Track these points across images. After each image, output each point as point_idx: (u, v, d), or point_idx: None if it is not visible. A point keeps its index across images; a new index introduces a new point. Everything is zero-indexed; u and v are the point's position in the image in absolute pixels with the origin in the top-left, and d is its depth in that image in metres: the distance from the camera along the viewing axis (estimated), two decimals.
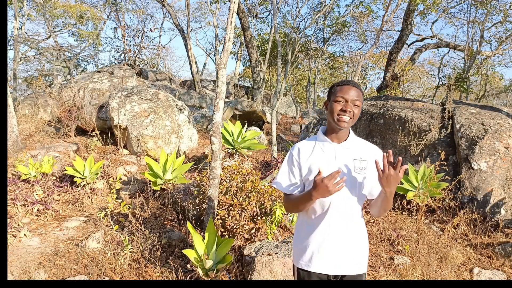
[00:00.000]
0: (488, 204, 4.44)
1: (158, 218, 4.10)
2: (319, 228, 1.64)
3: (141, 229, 3.66)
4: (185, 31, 12.31)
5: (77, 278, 2.99)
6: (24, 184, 4.55)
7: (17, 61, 13.08)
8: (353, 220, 1.65)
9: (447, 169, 4.91)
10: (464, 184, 4.64)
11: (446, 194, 4.59)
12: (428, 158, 5.12)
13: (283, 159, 6.14)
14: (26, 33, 15.04)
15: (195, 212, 4.01)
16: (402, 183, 4.66)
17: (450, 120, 5.30)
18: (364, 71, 17.87)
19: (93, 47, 16.37)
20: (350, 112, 1.60)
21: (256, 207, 3.49)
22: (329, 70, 20.26)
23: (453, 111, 5.45)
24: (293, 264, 1.76)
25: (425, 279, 3.34)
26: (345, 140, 1.68)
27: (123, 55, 11.70)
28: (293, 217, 3.85)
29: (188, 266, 2.99)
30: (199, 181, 3.98)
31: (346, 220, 1.63)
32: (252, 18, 14.45)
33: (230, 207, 3.48)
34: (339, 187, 1.47)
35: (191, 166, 5.18)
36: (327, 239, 1.63)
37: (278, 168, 5.38)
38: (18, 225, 3.71)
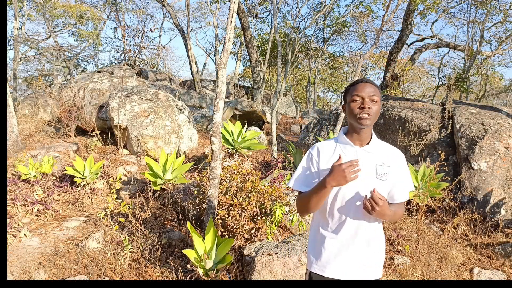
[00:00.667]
0: (488, 204, 4.44)
1: (158, 218, 4.10)
2: (336, 233, 1.60)
3: (141, 229, 3.66)
4: (185, 31, 12.30)
5: (77, 278, 2.99)
6: (24, 184, 4.55)
7: (17, 61, 13.08)
8: (371, 225, 1.60)
9: (447, 169, 4.91)
10: (464, 184, 4.64)
11: (446, 194, 4.59)
12: (428, 158, 5.12)
13: (283, 159, 6.17)
14: (26, 33, 15.03)
15: (195, 212, 4.01)
16: None
17: (450, 120, 5.31)
18: (364, 71, 17.87)
19: (93, 47, 16.37)
20: (369, 108, 1.55)
21: (256, 207, 3.49)
22: (329, 70, 20.26)
23: (453, 111, 5.45)
24: (306, 268, 1.73)
25: (425, 279, 3.34)
26: (368, 144, 1.62)
27: (123, 55, 11.70)
28: (293, 217, 3.84)
29: (188, 266, 2.99)
30: (199, 181, 3.98)
31: (364, 225, 1.59)
32: (252, 18, 14.44)
33: (230, 207, 3.48)
34: (355, 176, 1.46)
35: (191, 166, 5.18)
36: (345, 244, 1.58)
37: (278, 168, 5.37)
38: (18, 225, 3.71)
